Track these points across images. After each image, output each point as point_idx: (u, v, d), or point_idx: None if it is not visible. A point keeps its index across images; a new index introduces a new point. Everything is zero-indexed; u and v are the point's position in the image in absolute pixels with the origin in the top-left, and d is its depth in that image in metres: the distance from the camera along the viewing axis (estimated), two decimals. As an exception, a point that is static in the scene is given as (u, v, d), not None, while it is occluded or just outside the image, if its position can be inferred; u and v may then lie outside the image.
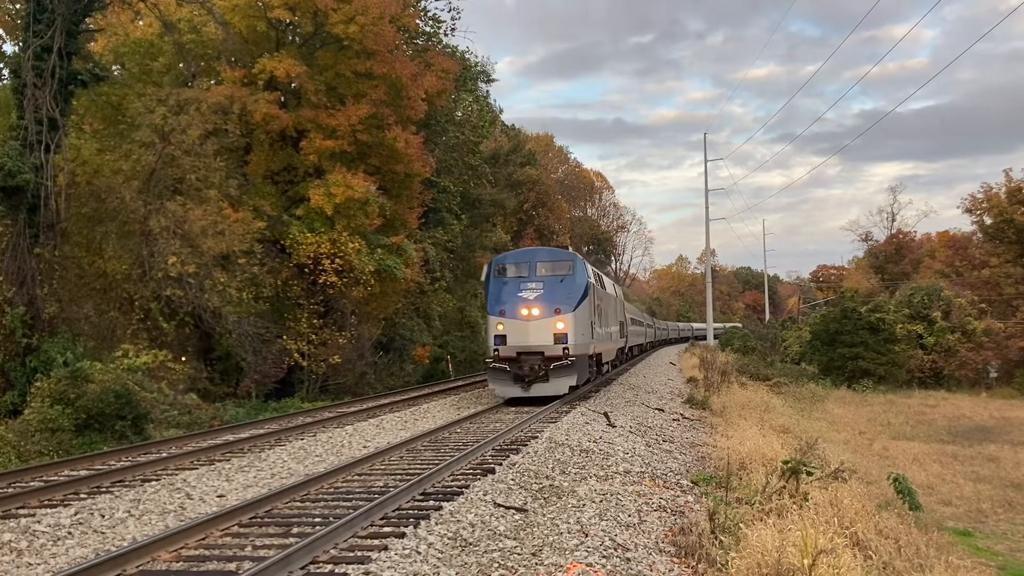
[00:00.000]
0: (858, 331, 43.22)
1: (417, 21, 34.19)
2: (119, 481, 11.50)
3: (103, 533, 8.60)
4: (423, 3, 36.37)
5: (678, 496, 11.05)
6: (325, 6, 25.47)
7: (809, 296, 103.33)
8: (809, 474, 11.39)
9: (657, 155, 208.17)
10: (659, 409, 22.02)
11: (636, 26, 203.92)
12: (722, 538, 8.38)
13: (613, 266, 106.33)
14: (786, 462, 11.57)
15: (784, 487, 10.84)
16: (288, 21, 27.56)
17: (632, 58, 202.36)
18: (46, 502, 10.08)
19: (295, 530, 8.54)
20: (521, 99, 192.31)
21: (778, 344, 57.78)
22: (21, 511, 9.55)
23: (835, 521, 9.47)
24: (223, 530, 8.55)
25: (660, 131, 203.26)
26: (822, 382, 40.71)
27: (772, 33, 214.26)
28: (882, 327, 43.73)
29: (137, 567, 7.25)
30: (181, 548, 7.83)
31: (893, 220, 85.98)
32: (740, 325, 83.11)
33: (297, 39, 28.69)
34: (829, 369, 43.53)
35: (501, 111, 54.91)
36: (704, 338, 69.93)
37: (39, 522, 8.80)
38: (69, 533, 8.53)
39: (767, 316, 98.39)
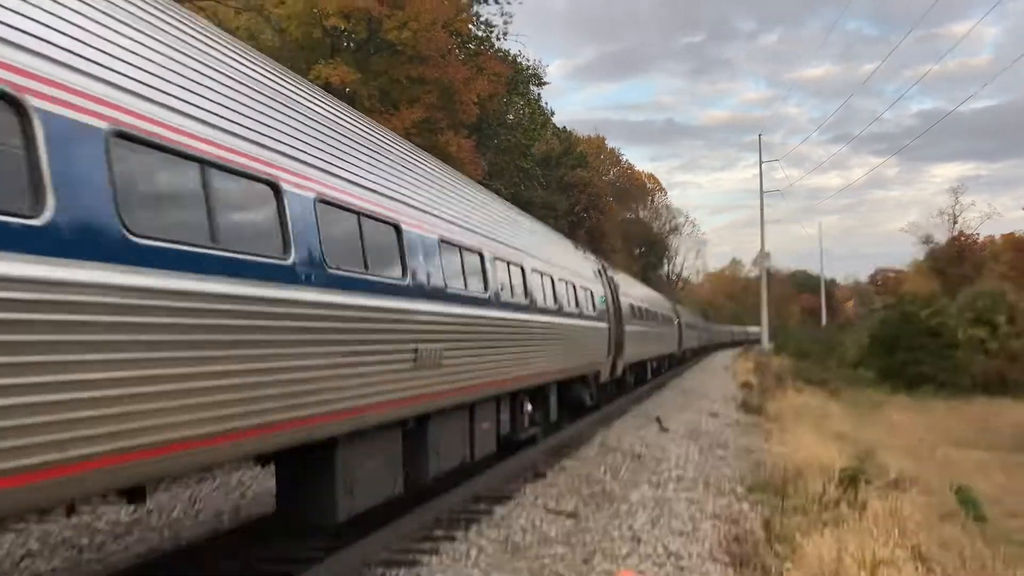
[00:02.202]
0: (918, 335, 42.13)
1: (469, 26, 34.36)
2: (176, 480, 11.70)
3: (162, 532, 8.78)
4: (476, 8, 36.54)
5: (732, 504, 10.86)
6: (379, 13, 25.77)
7: (867, 299, 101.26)
8: (868, 482, 11.13)
9: (710, 157, 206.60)
10: (712, 414, 21.73)
11: (686, 26, 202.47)
12: (777, 548, 8.22)
13: (665, 268, 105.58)
14: (844, 469, 11.32)
15: (842, 495, 10.59)
16: (343, 28, 27.91)
17: (683, 58, 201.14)
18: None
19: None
20: (571, 101, 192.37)
21: (835, 348, 56.77)
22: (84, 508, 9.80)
23: (895, 532, 9.22)
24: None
25: (713, 132, 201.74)
26: (881, 388, 39.82)
27: (828, 32, 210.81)
28: (943, 332, 42.60)
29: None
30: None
31: (955, 222, 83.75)
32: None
33: (351, 45, 29.04)
34: (888, 374, 42.53)
35: (552, 113, 54.74)
36: (758, 342, 68.93)
37: (100, 519, 9.01)
38: (128, 531, 8.72)
39: (823, 320, 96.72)
